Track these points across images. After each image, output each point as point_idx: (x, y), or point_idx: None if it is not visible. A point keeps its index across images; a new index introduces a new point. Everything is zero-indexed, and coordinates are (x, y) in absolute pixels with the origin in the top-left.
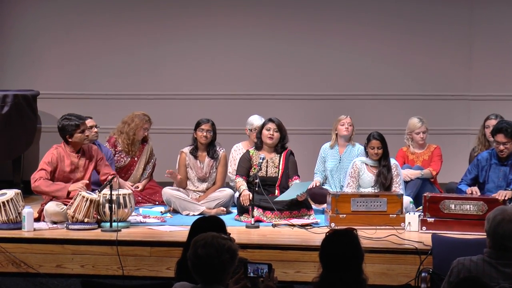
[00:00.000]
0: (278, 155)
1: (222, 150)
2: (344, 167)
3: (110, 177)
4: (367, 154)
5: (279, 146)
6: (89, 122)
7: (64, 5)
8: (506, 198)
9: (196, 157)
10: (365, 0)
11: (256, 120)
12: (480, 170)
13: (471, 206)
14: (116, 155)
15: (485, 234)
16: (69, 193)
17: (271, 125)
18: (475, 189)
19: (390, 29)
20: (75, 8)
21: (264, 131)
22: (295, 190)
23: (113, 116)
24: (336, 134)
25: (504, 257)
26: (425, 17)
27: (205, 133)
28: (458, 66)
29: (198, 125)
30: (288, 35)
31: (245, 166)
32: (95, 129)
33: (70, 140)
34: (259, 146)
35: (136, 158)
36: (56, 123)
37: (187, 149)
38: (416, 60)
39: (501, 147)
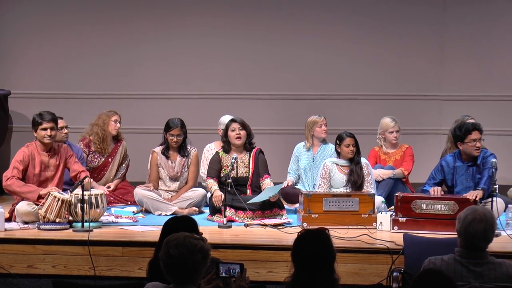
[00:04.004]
0: (248, 154)
1: (194, 150)
2: (318, 166)
3: (82, 175)
4: (338, 155)
5: (247, 144)
6: (59, 123)
7: (36, 5)
8: (477, 198)
9: (167, 157)
10: (338, 1)
11: (228, 120)
12: (446, 175)
13: (443, 206)
14: (89, 156)
15: (456, 233)
16: (39, 196)
17: (235, 125)
18: (438, 188)
19: (362, 30)
20: (47, 9)
21: (230, 133)
22: (267, 193)
23: (85, 116)
24: (312, 135)
25: (475, 257)
26: (397, 18)
27: (175, 138)
28: (430, 66)
29: (168, 128)
30: (261, 35)
31: (215, 167)
32: (66, 130)
33: (35, 135)
34: (227, 149)
35: (110, 159)
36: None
37: (158, 149)
38: (388, 60)
39: (478, 143)
